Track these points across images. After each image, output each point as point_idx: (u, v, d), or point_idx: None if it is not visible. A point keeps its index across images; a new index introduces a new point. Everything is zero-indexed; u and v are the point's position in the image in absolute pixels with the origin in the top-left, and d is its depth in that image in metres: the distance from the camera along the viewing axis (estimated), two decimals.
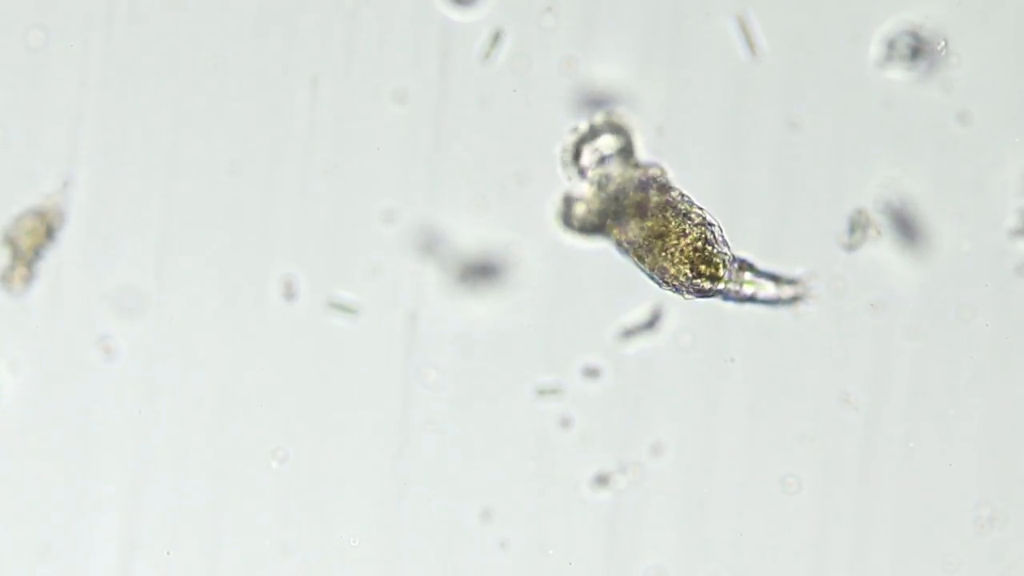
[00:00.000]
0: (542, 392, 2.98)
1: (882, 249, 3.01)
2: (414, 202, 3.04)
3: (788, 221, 3.02)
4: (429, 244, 3.04)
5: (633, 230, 2.88)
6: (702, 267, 2.92)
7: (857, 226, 2.99)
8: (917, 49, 3.01)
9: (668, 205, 2.86)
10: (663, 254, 2.90)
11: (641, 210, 2.87)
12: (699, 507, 3.03)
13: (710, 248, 2.91)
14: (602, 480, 3.03)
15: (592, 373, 3.02)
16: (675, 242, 2.90)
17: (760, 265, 2.99)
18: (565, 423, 3.02)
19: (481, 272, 3.04)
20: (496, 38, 3.03)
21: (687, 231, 2.90)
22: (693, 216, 2.91)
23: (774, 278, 2.98)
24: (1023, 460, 3.02)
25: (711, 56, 3.03)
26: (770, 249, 3.01)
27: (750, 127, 3.02)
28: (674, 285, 2.92)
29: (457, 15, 3.04)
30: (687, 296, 2.94)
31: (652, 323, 2.93)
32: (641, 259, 2.92)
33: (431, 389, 3.04)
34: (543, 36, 3.03)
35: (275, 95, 3.06)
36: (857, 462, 3.02)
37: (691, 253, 2.91)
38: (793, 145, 3.02)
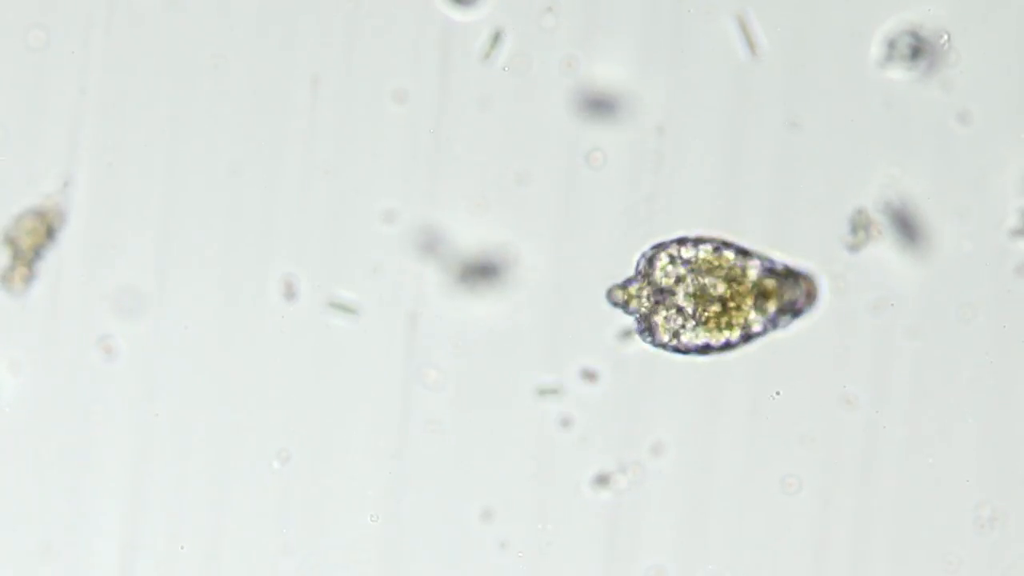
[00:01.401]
0: (543, 392, 2.98)
1: (883, 249, 3.01)
2: (414, 202, 3.04)
3: (788, 221, 3.02)
4: (429, 244, 3.04)
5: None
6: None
7: (859, 226, 2.99)
8: (918, 49, 3.01)
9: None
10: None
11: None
12: (699, 507, 3.03)
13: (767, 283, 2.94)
14: (602, 480, 3.03)
15: (590, 376, 3.02)
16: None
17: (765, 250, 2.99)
18: (565, 423, 3.02)
19: (481, 272, 3.03)
20: (496, 38, 3.03)
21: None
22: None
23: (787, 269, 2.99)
24: (1023, 460, 3.02)
25: (711, 56, 3.03)
26: (770, 249, 3.01)
27: (750, 127, 3.02)
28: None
29: (457, 15, 3.04)
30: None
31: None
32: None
33: (431, 389, 3.04)
34: (543, 36, 3.03)
35: (275, 95, 3.06)
36: (857, 462, 3.02)
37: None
38: (793, 145, 3.02)
